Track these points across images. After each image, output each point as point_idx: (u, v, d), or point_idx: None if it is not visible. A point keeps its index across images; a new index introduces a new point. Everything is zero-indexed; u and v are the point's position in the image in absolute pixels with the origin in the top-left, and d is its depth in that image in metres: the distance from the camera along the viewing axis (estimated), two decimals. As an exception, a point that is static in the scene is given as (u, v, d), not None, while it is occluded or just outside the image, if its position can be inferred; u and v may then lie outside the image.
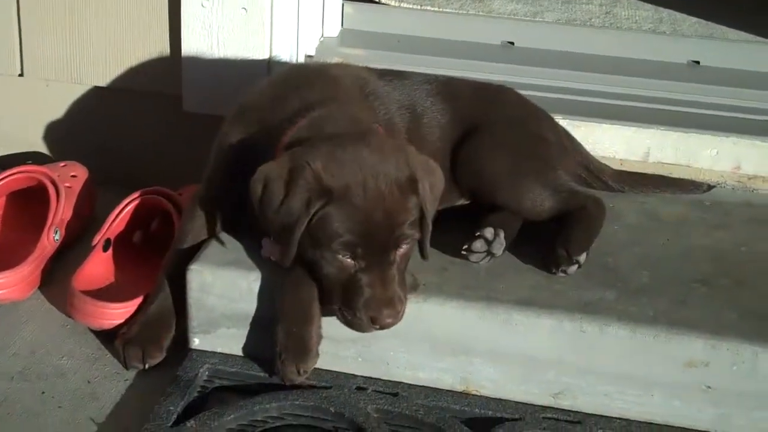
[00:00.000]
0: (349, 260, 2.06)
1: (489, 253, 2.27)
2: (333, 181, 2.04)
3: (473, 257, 2.27)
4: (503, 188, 2.36)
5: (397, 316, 2.07)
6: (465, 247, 2.26)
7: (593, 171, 2.54)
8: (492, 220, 2.30)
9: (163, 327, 2.29)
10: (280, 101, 2.26)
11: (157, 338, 2.28)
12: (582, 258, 2.24)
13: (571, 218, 2.32)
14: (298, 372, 2.13)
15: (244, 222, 2.28)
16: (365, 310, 2.06)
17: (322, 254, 2.07)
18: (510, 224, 2.33)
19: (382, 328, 2.07)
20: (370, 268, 2.06)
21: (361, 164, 2.06)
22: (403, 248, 2.09)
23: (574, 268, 2.24)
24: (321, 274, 2.10)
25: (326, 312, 2.14)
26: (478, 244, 2.26)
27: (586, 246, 2.27)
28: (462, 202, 2.43)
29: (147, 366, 2.26)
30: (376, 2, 3.12)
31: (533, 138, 2.45)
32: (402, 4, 3.14)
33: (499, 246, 2.27)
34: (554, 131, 2.51)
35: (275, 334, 2.14)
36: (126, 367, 2.27)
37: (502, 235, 2.27)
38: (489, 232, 2.26)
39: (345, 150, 2.08)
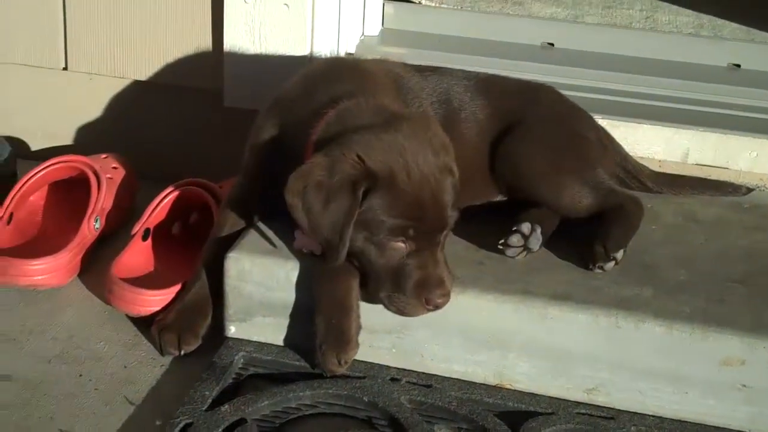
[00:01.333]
0: (400, 244, 2.08)
1: (526, 248, 2.27)
2: (376, 166, 2.06)
3: (510, 252, 2.27)
4: (542, 185, 2.36)
5: (448, 296, 2.09)
6: (502, 241, 2.26)
7: (631, 171, 2.54)
8: (529, 216, 2.30)
9: (199, 314, 2.31)
10: (311, 94, 2.27)
11: (193, 325, 2.30)
12: (619, 255, 2.24)
13: (609, 216, 2.32)
14: (339, 362, 2.14)
15: (281, 213, 2.30)
16: (419, 291, 2.08)
17: (373, 242, 2.08)
18: (547, 220, 2.33)
19: (435, 308, 2.09)
20: (420, 250, 2.08)
21: (398, 149, 2.08)
22: (447, 229, 2.11)
23: (611, 264, 2.24)
24: (369, 262, 2.11)
25: (371, 300, 2.15)
26: (515, 239, 2.26)
27: (623, 243, 2.27)
28: (500, 198, 2.44)
29: (182, 353, 2.28)
30: (416, 3, 3.14)
31: (573, 136, 2.45)
32: (442, 5, 3.15)
33: (536, 241, 2.27)
34: (594, 130, 2.51)
35: (314, 325, 2.15)
36: (162, 353, 2.29)
37: (539, 230, 2.28)
38: (526, 227, 2.27)
39: (379, 137, 2.09)
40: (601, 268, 2.24)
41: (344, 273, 2.15)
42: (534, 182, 2.36)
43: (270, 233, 2.32)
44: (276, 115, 2.32)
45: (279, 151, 2.27)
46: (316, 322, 2.15)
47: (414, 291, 2.09)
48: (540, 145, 2.38)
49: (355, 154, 2.07)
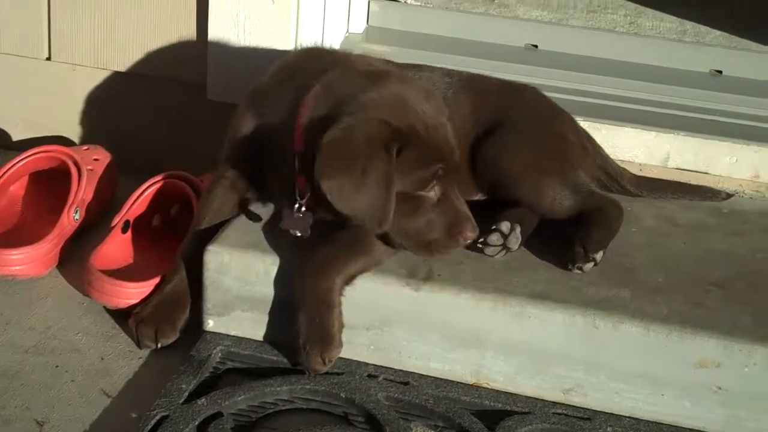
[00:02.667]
0: (431, 193, 2.13)
1: (505, 247, 2.28)
2: (398, 123, 2.08)
3: (488, 250, 2.28)
4: (523, 185, 2.37)
5: (477, 229, 2.17)
6: (481, 240, 2.27)
7: (612, 174, 2.55)
8: (509, 215, 2.31)
9: (177, 307, 2.30)
10: (290, 79, 2.26)
11: (171, 318, 2.29)
12: (599, 256, 2.25)
13: (589, 218, 2.33)
14: (323, 361, 2.14)
15: (262, 204, 2.31)
16: (453, 230, 2.16)
17: (404, 198, 2.10)
18: (527, 220, 2.34)
19: (465, 241, 2.17)
20: (446, 195, 2.16)
21: (404, 102, 2.12)
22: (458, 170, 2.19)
23: (590, 265, 2.25)
24: (402, 218, 2.12)
25: (415, 251, 2.19)
26: (494, 238, 2.27)
27: (603, 245, 2.28)
28: (479, 197, 2.44)
29: (160, 345, 2.27)
30: (402, 1, 3.14)
31: (555, 137, 2.46)
32: (427, 4, 3.16)
33: (515, 240, 2.28)
34: (576, 132, 2.52)
35: (296, 323, 2.15)
36: (139, 346, 2.29)
37: (518, 229, 2.28)
38: (505, 226, 2.27)
39: (383, 96, 2.11)
40: (580, 268, 2.25)
41: (327, 269, 2.15)
42: (515, 182, 2.37)
43: (250, 225, 2.32)
44: (255, 106, 2.30)
45: (262, 141, 2.26)
46: (299, 320, 2.15)
47: (450, 231, 2.15)
48: (521, 146, 2.39)
49: (375, 117, 2.07)
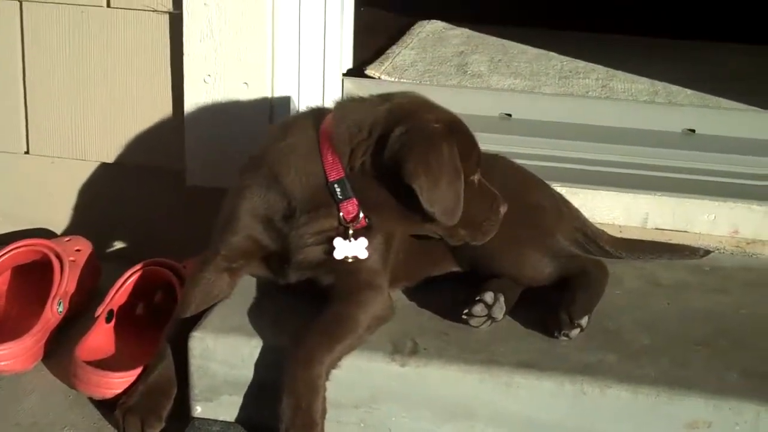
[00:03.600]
0: (476, 176, 2.28)
1: (490, 317, 2.28)
2: (443, 118, 2.22)
3: (474, 321, 2.28)
4: (503, 259, 2.38)
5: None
6: (465, 311, 2.27)
7: (590, 236, 2.56)
8: (492, 285, 2.32)
9: (162, 396, 2.29)
10: (292, 123, 2.35)
11: (156, 408, 2.27)
12: (584, 322, 2.25)
13: (573, 282, 2.34)
14: None
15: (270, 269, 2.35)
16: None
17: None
18: (510, 289, 2.34)
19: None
20: (480, 178, 2.31)
21: (429, 104, 2.27)
22: None
23: (577, 331, 2.25)
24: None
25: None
26: (479, 308, 2.27)
27: (588, 309, 2.28)
28: (457, 269, 2.45)
29: None
30: (376, 78, 3.18)
31: (529, 206, 2.47)
32: (401, 80, 3.20)
33: (500, 310, 2.28)
34: (549, 197, 2.54)
35: (280, 408, 2.12)
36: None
37: (502, 299, 2.29)
38: (489, 296, 2.28)
39: (412, 102, 2.26)
40: (566, 335, 2.25)
41: (316, 354, 2.14)
42: (494, 258, 2.38)
43: (235, 308, 2.32)
44: (259, 163, 2.29)
45: (277, 197, 2.25)
46: (283, 405, 2.12)
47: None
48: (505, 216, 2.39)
49: (427, 118, 2.18)
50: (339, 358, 2.17)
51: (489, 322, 2.28)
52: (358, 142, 2.21)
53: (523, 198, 2.47)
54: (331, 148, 2.21)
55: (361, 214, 2.23)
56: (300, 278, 2.31)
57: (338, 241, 2.25)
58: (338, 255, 2.26)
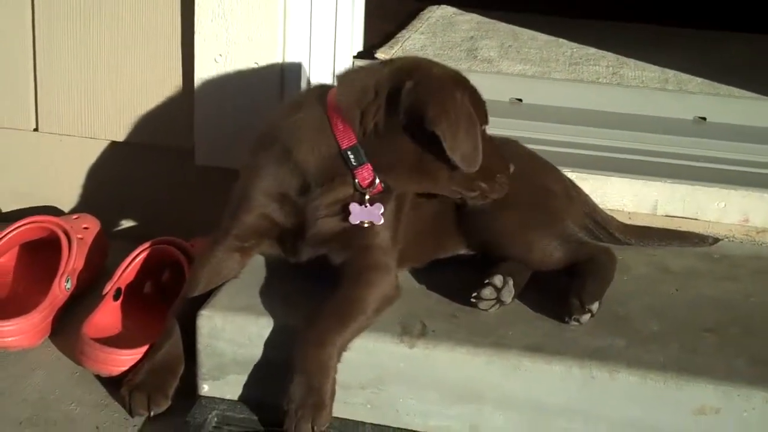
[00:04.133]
0: (486, 127, 2.30)
1: (498, 300, 2.27)
2: (450, 72, 2.27)
3: (482, 305, 2.27)
4: (512, 242, 2.38)
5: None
6: (474, 294, 2.27)
7: (600, 222, 2.56)
8: (501, 268, 2.31)
9: (169, 374, 2.29)
10: (299, 99, 2.36)
11: (162, 385, 2.27)
12: (595, 307, 2.25)
13: (582, 268, 2.33)
14: (313, 429, 2.11)
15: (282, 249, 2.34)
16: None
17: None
18: (519, 272, 2.34)
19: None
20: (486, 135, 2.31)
21: (434, 62, 2.29)
22: None
23: (587, 317, 2.24)
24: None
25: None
26: (487, 292, 2.27)
27: (599, 295, 2.28)
28: (465, 251, 2.44)
29: (152, 413, 2.25)
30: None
31: (540, 190, 2.47)
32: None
33: (509, 293, 2.28)
34: (560, 182, 2.53)
35: (290, 388, 2.12)
36: (131, 414, 2.26)
37: (511, 282, 2.28)
38: (498, 280, 2.27)
39: (414, 60, 2.32)
40: (577, 320, 2.24)
41: (329, 335, 2.14)
42: (503, 241, 2.38)
43: (244, 287, 2.31)
44: (269, 143, 2.29)
45: (290, 169, 2.25)
46: (295, 384, 2.12)
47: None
48: (507, 203, 2.38)
49: (434, 71, 2.23)
50: (349, 340, 2.17)
51: (497, 305, 2.28)
52: (366, 104, 2.21)
53: (534, 182, 2.46)
54: (340, 116, 2.21)
55: (377, 180, 2.23)
56: (311, 256, 2.30)
57: (354, 207, 2.25)
58: (354, 220, 2.25)
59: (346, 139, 2.21)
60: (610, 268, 2.36)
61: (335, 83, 2.29)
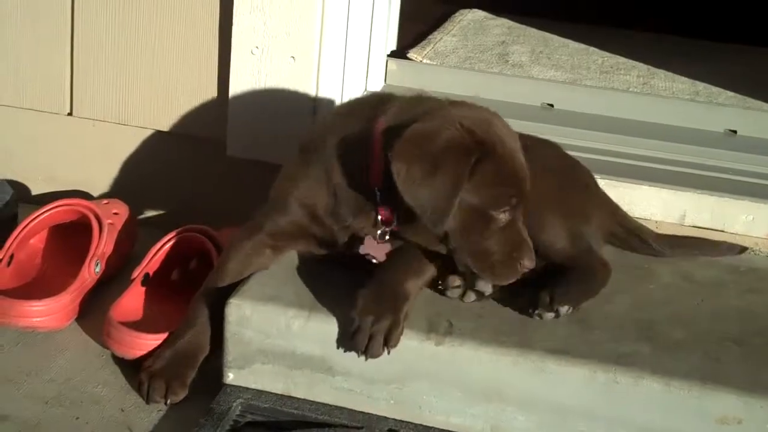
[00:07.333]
0: (503, 215, 2.14)
1: (474, 290, 2.26)
2: (482, 135, 2.10)
3: (450, 293, 2.26)
4: (531, 215, 2.30)
5: (534, 261, 2.18)
6: (439, 282, 2.26)
7: (632, 230, 2.55)
8: None
9: (189, 363, 2.30)
10: (354, 114, 2.29)
11: (182, 374, 2.28)
12: (564, 309, 2.23)
13: (573, 273, 2.31)
14: (386, 346, 2.11)
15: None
16: (516, 257, 2.16)
17: (475, 212, 2.12)
18: None
19: (524, 270, 2.18)
20: (514, 221, 2.17)
21: (487, 121, 2.16)
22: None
23: (551, 316, 2.23)
24: (468, 233, 2.13)
25: (471, 268, 2.19)
26: (452, 280, 2.26)
27: (573, 301, 2.25)
28: None
29: (168, 402, 2.26)
30: (418, 61, 3.19)
31: (569, 183, 2.45)
32: (443, 64, 3.20)
33: (485, 283, 2.25)
34: (592, 183, 2.54)
35: (363, 302, 2.12)
36: (147, 401, 2.27)
37: None
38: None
39: (465, 112, 2.15)
40: (540, 316, 2.23)
41: (409, 275, 2.19)
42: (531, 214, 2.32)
43: (274, 278, 2.33)
44: (312, 153, 2.28)
45: (331, 184, 2.24)
46: (370, 297, 2.12)
47: (512, 257, 2.15)
48: (534, 188, 2.31)
49: (459, 124, 2.09)
50: (422, 285, 2.20)
51: (474, 296, 2.26)
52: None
53: (567, 175, 2.45)
54: (380, 155, 2.16)
55: (395, 221, 2.22)
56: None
57: (368, 240, 2.25)
58: (362, 251, 2.26)
59: (378, 180, 2.18)
60: (599, 283, 2.33)
61: (392, 103, 2.24)
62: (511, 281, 2.19)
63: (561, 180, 2.42)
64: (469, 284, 2.25)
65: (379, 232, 2.23)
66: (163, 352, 2.32)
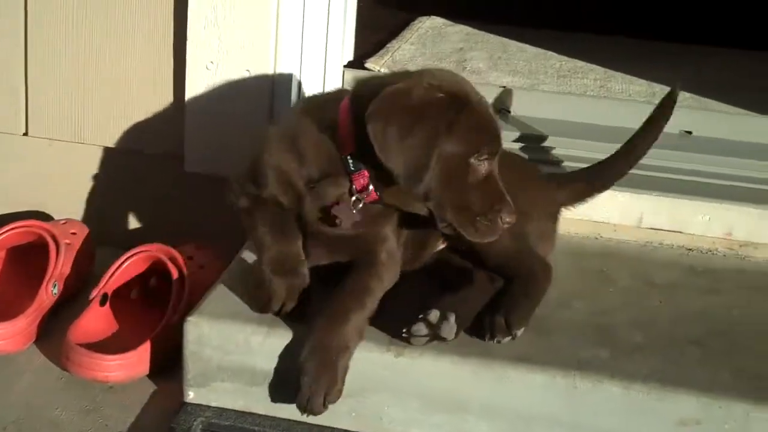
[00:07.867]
0: (484, 165, 2.15)
1: (436, 336, 2.19)
2: (455, 91, 2.13)
3: (414, 341, 2.19)
4: None
5: (514, 215, 2.18)
6: (404, 330, 2.20)
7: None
8: (442, 301, 2.24)
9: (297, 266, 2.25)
10: (318, 101, 2.36)
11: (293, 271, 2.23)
12: (520, 332, 2.22)
13: (516, 284, 2.31)
14: (324, 404, 2.12)
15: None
16: (495, 207, 2.15)
17: (456, 164, 2.12)
18: (466, 302, 2.27)
19: (506, 226, 2.17)
20: (491, 175, 2.17)
21: (456, 79, 2.20)
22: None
23: (509, 339, 2.22)
24: (448, 188, 2.13)
25: (461, 226, 2.17)
26: (418, 328, 2.19)
27: (526, 320, 2.25)
28: (440, 245, 2.44)
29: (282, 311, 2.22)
30: (375, 70, 3.19)
31: (516, 182, 2.34)
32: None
33: (450, 330, 2.19)
34: (538, 175, 2.56)
35: (304, 364, 2.12)
36: (263, 309, 2.23)
37: (452, 318, 2.19)
38: (434, 316, 2.19)
39: (435, 73, 2.19)
40: (499, 342, 2.21)
41: (349, 313, 2.16)
42: None
43: (230, 294, 2.33)
44: (283, 135, 2.28)
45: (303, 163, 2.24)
46: (308, 360, 2.11)
47: (494, 209, 2.15)
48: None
49: (428, 83, 2.12)
50: (365, 324, 2.18)
51: (437, 342, 2.20)
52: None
53: (515, 174, 2.37)
54: (347, 123, 2.19)
55: (371, 187, 2.22)
56: (319, 261, 2.30)
57: (343, 204, 2.22)
58: (334, 210, 2.22)
59: (347, 146, 2.20)
60: (543, 289, 2.32)
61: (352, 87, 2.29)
62: (492, 239, 2.18)
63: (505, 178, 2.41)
64: (434, 333, 2.20)
65: (353, 199, 2.22)
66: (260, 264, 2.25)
